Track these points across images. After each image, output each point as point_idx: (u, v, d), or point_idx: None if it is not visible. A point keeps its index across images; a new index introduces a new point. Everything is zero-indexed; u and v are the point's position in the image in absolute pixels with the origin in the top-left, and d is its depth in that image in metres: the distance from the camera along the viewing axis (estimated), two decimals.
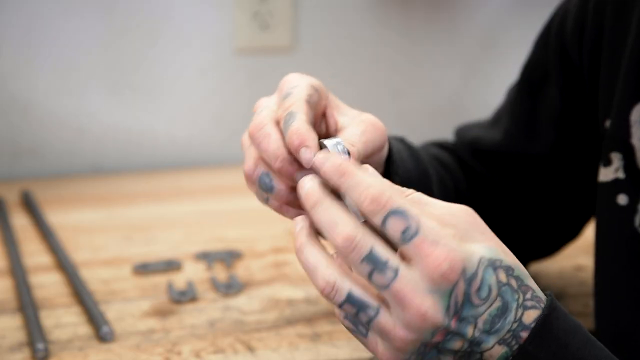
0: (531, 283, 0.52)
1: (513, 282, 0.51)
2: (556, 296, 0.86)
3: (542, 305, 0.52)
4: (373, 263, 0.50)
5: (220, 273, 0.93)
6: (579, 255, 0.97)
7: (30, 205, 1.13)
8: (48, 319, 0.81)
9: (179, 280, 0.90)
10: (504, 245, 0.52)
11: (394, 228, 0.49)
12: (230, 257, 0.96)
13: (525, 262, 0.87)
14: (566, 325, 0.52)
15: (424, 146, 0.86)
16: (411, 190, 0.53)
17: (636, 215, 0.64)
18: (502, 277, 0.51)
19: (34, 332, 0.76)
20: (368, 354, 0.75)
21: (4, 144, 1.30)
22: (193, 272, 0.93)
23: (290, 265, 0.95)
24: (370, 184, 0.50)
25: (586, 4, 0.72)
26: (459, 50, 1.48)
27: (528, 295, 0.51)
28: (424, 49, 1.46)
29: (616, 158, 0.66)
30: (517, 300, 0.51)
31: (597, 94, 0.71)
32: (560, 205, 0.82)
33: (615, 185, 0.66)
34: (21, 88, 1.29)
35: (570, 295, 0.88)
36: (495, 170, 0.83)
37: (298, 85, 0.60)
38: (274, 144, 0.58)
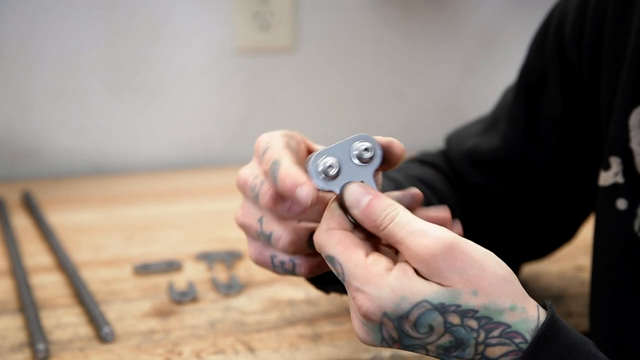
0: (508, 318, 0.52)
1: (471, 323, 0.52)
2: (556, 297, 0.86)
3: (518, 340, 0.52)
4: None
5: (221, 273, 0.93)
6: (579, 256, 0.97)
7: (30, 206, 1.13)
8: (49, 319, 0.81)
9: (180, 280, 0.90)
10: (481, 282, 0.52)
11: (333, 270, 0.55)
12: (230, 258, 0.96)
13: (519, 263, 0.87)
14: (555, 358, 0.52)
15: (404, 166, 0.84)
16: (396, 211, 0.54)
17: (635, 219, 0.64)
18: (454, 319, 0.52)
19: (35, 333, 0.76)
20: (368, 354, 0.75)
21: (4, 144, 1.30)
22: (194, 273, 0.93)
23: None
24: (322, 230, 0.55)
25: (585, 7, 0.71)
26: (459, 50, 1.48)
27: (495, 333, 0.52)
28: (424, 49, 1.46)
29: (615, 162, 0.66)
30: (476, 338, 0.52)
31: (598, 97, 0.71)
32: (559, 208, 0.82)
33: (614, 190, 0.66)
34: (21, 88, 1.29)
35: (570, 295, 0.88)
36: (495, 177, 0.82)
37: (271, 139, 0.59)
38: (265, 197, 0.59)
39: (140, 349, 0.76)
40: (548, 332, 0.52)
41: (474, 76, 1.50)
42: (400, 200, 0.59)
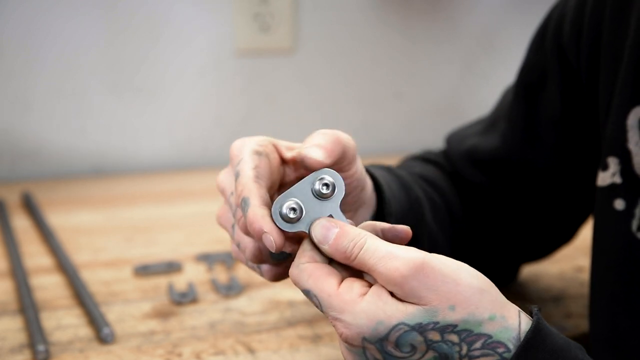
0: (488, 329, 0.52)
1: (452, 337, 0.52)
2: (556, 297, 0.86)
3: (501, 350, 0.52)
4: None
5: (221, 274, 0.93)
6: (579, 257, 0.97)
7: (30, 207, 1.13)
8: (49, 320, 0.81)
9: (180, 281, 0.90)
10: (457, 297, 0.52)
11: (311, 302, 0.56)
12: (230, 259, 0.96)
13: (519, 264, 0.87)
14: None
15: (407, 164, 0.85)
16: (364, 239, 0.55)
17: (633, 220, 0.64)
18: (434, 336, 0.52)
19: (35, 334, 0.76)
20: None
21: (4, 145, 1.30)
22: (194, 274, 0.93)
23: None
24: (294, 266, 0.56)
25: (583, 7, 0.71)
26: (459, 50, 1.48)
27: (477, 345, 0.52)
28: (424, 49, 1.46)
29: (613, 163, 0.66)
30: (459, 352, 0.52)
31: (597, 97, 0.71)
32: (558, 208, 0.82)
33: (612, 190, 0.66)
34: (21, 89, 1.29)
35: (570, 296, 0.88)
36: (495, 177, 0.82)
37: (242, 159, 0.61)
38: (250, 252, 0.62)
39: (140, 350, 0.76)
40: (533, 340, 0.52)
41: (474, 76, 1.50)
42: (384, 233, 0.59)
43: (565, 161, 0.79)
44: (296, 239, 0.58)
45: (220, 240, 1.03)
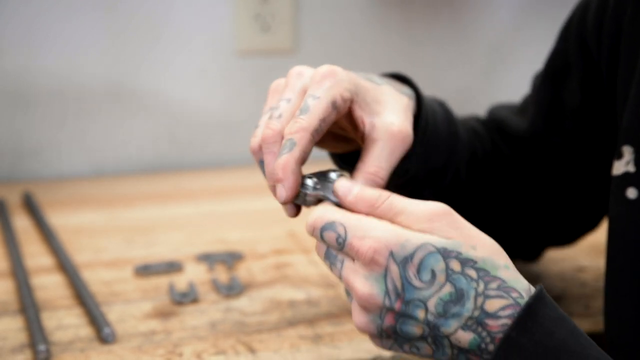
0: (503, 274, 0.54)
1: (471, 272, 0.54)
2: (557, 297, 0.86)
3: (514, 295, 0.53)
4: (329, 259, 0.58)
5: (222, 274, 0.93)
6: (580, 257, 0.97)
7: (31, 207, 1.13)
8: (49, 320, 0.81)
9: (181, 281, 0.91)
10: (479, 241, 0.55)
11: (329, 241, 0.57)
12: (231, 259, 0.96)
13: (543, 247, 0.88)
14: (552, 314, 0.53)
15: (466, 118, 0.88)
16: (384, 198, 0.57)
17: None
18: (455, 266, 0.54)
19: (36, 334, 0.76)
20: (369, 355, 0.75)
21: (5, 145, 1.30)
22: (194, 274, 0.93)
23: (291, 266, 0.95)
24: (314, 211, 0.59)
25: (607, 1, 0.72)
26: (459, 51, 1.48)
27: (493, 285, 0.54)
28: (425, 50, 1.46)
29: (628, 151, 0.66)
30: (476, 289, 0.54)
31: (615, 89, 0.71)
32: (578, 193, 0.83)
33: (625, 179, 0.66)
34: (22, 89, 1.29)
35: (571, 296, 0.88)
36: (518, 153, 0.84)
37: (320, 98, 0.61)
38: (269, 167, 0.61)
39: (141, 350, 0.76)
40: (542, 294, 0.54)
41: (475, 77, 1.50)
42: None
43: (584, 149, 0.80)
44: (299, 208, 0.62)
45: (221, 241, 1.03)
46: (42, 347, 0.73)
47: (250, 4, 1.34)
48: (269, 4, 1.35)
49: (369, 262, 0.54)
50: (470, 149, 0.80)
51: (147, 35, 1.32)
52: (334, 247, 0.57)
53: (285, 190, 0.59)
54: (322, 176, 0.61)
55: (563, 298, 0.87)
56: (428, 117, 0.71)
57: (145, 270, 0.93)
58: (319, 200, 0.60)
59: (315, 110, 0.60)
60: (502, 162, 0.84)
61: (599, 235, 1.01)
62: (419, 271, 0.54)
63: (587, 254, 0.98)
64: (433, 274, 0.54)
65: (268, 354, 0.75)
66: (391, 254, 0.54)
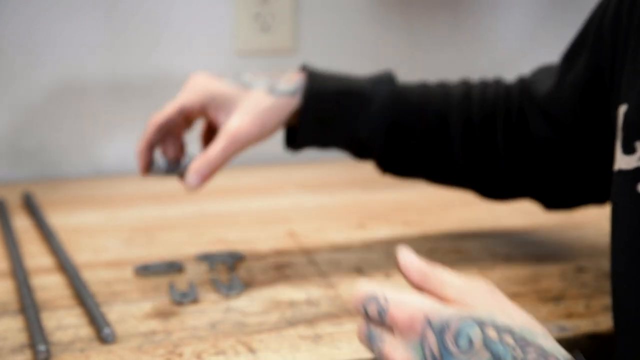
0: (542, 342, 0.54)
1: (508, 339, 0.54)
2: (556, 297, 0.86)
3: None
4: (371, 339, 0.60)
5: (222, 274, 0.93)
6: (580, 257, 0.97)
7: (31, 207, 1.13)
8: (49, 320, 0.81)
9: (181, 281, 0.91)
10: (516, 312, 0.56)
11: (372, 313, 0.59)
12: (231, 259, 0.96)
13: (574, 204, 0.92)
14: None
15: (489, 83, 1.02)
16: (430, 269, 0.60)
17: None
18: (492, 333, 0.54)
19: (36, 334, 0.76)
20: (369, 355, 0.75)
21: (5, 145, 1.31)
22: (194, 274, 0.93)
23: (291, 266, 0.95)
24: (359, 286, 0.61)
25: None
26: (460, 52, 1.48)
27: (531, 351, 0.53)
28: (425, 50, 1.46)
29: None
30: (514, 355, 0.53)
31: (620, 84, 0.72)
32: (581, 165, 0.87)
33: (636, 174, 0.66)
34: (22, 90, 1.29)
35: (570, 296, 0.88)
36: (538, 115, 0.88)
37: (171, 103, 0.90)
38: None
39: (141, 350, 0.76)
40: (580, 357, 0.55)
41: (476, 77, 1.49)
42: None
43: (581, 133, 0.83)
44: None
45: (221, 241, 1.03)
46: (42, 347, 0.73)
47: (250, 4, 1.34)
48: (269, 4, 1.35)
49: (407, 330, 0.55)
50: (462, 113, 0.97)
51: (148, 36, 1.32)
52: (376, 320, 0.58)
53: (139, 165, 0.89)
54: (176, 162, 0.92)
55: (563, 298, 0.87)
56: (324, 103, 0.90)
57: (145, 270, 0.93)
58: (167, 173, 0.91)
59: (165, 110, 0.89)
60: (522, 117, 0.90)
61: (599, 236, 1.01)
62: (456, 339, 0.54)
63: (587, 255, 0.98)
64: (470, 342, 0.54)
65: (268, 354, 0.75)
66: (428, 321, 0.55)
